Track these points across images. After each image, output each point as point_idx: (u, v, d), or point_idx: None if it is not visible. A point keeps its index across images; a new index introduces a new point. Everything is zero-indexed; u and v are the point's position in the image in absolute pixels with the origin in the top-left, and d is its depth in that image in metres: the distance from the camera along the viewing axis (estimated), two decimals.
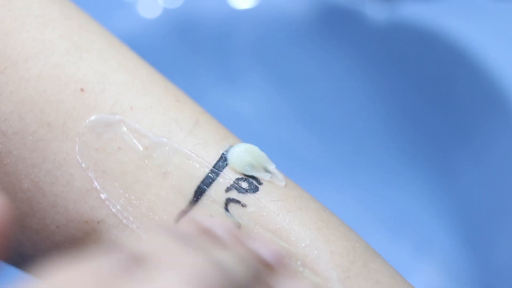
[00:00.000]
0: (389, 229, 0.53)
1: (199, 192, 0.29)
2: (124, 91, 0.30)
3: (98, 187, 0.28)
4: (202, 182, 0.29)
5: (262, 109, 0.56)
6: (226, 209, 0.29)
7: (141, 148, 0.29)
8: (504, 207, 0.47)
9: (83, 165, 0.28)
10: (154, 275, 0.19)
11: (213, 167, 0.29)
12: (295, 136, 0.56)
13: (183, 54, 0.55)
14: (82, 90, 0.29)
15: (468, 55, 0.49)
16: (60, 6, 0.31)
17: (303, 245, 0.28)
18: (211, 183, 0.29)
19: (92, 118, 0.29)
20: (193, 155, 0.29)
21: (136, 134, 0.29)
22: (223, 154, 0.29)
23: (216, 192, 0.29)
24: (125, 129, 0.29)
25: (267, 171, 0.30)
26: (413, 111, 0.53)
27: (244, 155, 0.29)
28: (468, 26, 0.50)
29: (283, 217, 0.28)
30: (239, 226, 0.28)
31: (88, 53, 0.30)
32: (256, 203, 0.28)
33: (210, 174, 0.29)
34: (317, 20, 0.54)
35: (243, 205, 0.28)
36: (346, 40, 0.54)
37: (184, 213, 0.28)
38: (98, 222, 0.28)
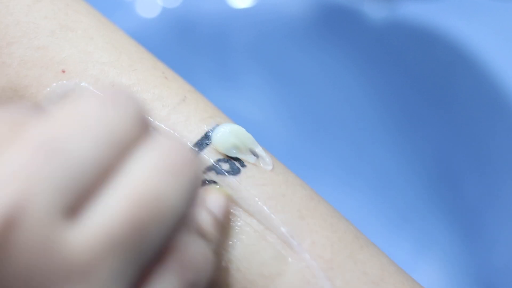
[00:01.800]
0: (389, 229, 0.52)
1: None
2: (108, 69, 0.29)
3: None
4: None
5: (261, 108, 0.56)
6: None
7: None
8: (504, 206, 0.47)
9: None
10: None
11: (194, 145, 0.28)
12: (294, 136, 0.55)
13: (182, 53, 0.54)
14: (63, 71, 0.29)
15: (468, 54, 0.49)
16: None
17: (282, 232, 0.27)
18: None
19: (51, 87, 0.29)
20: (172, 132, 0.28)
21: None
22: (207, 133, 0.28)
23: None
24: None
25: (254, 154, 0.29)
26: (412, 110, 0.53)
27: (228, 135, 0.28)
28: (468, 25, 0.50)
29: (264, 202, 0.27)
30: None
31: (73, 32, 0.30)
32: (235, 186, 0.27)
33: None
34: (315, 19, 0.54)
35: (221, 187, 0.27)
36: (344, 39, 0.54)
37: None
38: None
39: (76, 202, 0.18)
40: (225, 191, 0.27)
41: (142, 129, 0.21)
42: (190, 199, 0.21)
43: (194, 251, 0.22)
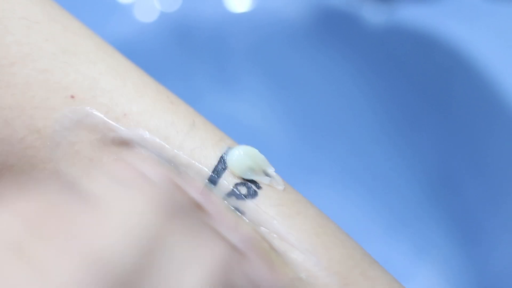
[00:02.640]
0: (388, 232, 0.52)
1: None
2: (116, 96, 0.28)
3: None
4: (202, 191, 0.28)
5: (260, 112, 0.56)
6: None
7: (138, 159, 0.28)
8: (504, 210, 0.47)
9: (77, 175, 0.27)
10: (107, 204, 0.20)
11: (212, 172, 0.28)
12: (293, 140, 0.55)
13: (180, 58, 0.54)
14: (72, 97, 0.28)
15: (467, 58, 0.49)
16: (42, 7, 0.30)
17: (302, 250, 0.27)
18: (211, 189, 0.28)
19: (87, 122, 0.28)
20: (192, 161, 0.28)
21: (132, 142, 0.28)
22: (221, 157, 0.28)
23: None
24: (119, 137, 0.28)
25: (266, 174, 0.29)
26: (411, 114, 0.53)
27: (244, 158, 0.28)
28: (467, 29, 0.50)
29: (282, 222, 0.27)
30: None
31: (75, 57, 0.29)
32: (254, 210, 0.28)
33: (210, 181, 0.28)
34: (314, 23, 0.54)
35: (242, 212, 0.28)
36: (343, 43, 0.54)
37: None
38: None
39: None
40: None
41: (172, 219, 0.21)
42: None
43: None
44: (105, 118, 0.28)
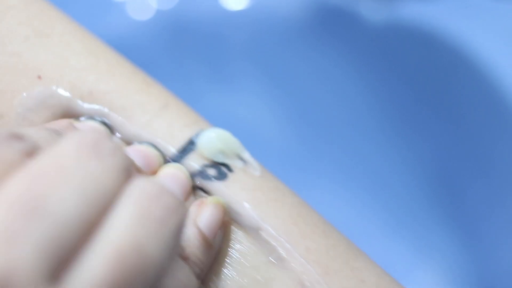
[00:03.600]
0: (387, 234, 0.52)
1: None
2: (85, 75, 0.28)
3: None
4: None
5: (257, 111, 0.55)
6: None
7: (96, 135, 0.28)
8: (505, 211, 0.47)
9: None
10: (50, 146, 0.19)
11: (178, 151, 0.27)
12: (290, 139, 0.55)
13: (176, 56, 0.54)
14: (39, 77, 0.28)
15: (468, 57, 0.48)
16: None
17: (275, 236, 0.26)
18: None
19: (49, 101, 0.28)
20: (156, 138, 0.27)
21: (90, 119, 0.28)
22: (191, 138, 0.28)
23: None
24: (81, 115, 0.28)
25: (241, 159, 0.28)
26: (410, 113, 0.52)
27: (215, 140, 0.28)
28: (468, 27, 0.49)
29: (254, 207, 0.26)
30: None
31: (48, 38, 0.29)
32: (222, 191, 0.27)
33: (174, 159, 0.27)
34: (312, 21, 0.53)
35: (207, 192, 0.27)
36: (342, 42, 0.53)
37: None
38: None
39: (59, 266, 0.17)
40: (222, 203, 0.26)
41: (125, 178, 0.20)
42: (174, 247, 0.20)
43: (177, 279, 0.22)
44: (69, 95, 0.28)
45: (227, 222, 0.26)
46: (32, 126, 0.27)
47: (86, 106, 0.28)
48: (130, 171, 0.20)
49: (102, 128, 0.27)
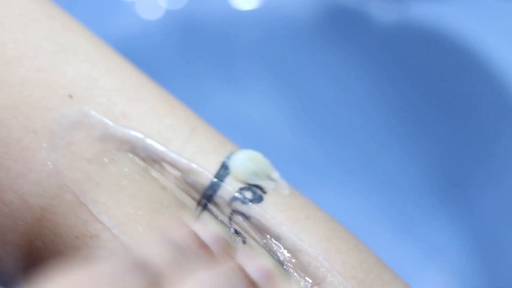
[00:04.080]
0: (394, 235, 0.52)
1: (202, 206, 0.27)
2: (115, 97, 0.28)
3: (91, 201, 0.26)
4: (204, 194, 0.27)
5: (266, 111, 0.55)
6: (231, 221, 0.27)
7: (137, 160, 0.27)
8: None
9: (76, 176, 0.26)
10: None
11: (215, 177, 0.27)
12: (300, 140, 0.55)
13: (186, 56, 0.54)
14: (70, 96, 0.27)
15: (479, 57, 0.48)
16: (40, 5, 0.29)
17: (314, 256, 0.26)
18: (213, 195, 0.27)
19: (84, 122, 0.27)
20: (194, 165, 0.27)
21: (131, 144, 0.27)
22: (223, 162, 0.27)
23: (220, 204, 0.27)
24: (120, 138, 0.27)
25: (271, 179, 0.28)
26: (420, 114, 0.52)
27: (248, 162, 0.28)
28: (479, 27, 0.49)
29: (291, 227, 0.26)
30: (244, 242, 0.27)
31: (74, 56, 0.28)
32: (261, 214, 0.27)
33: (212, 186, 0.27)
34: (322, 21, 0.53)
35: (248, 217, 0.27)
36: (352, 42, 0.53)
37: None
38: (91, 237, 0.26)
39: None
40: (271, 260, 0.26)
41: None
42: None
43: None
44: (104, 119, 0.27)
45: None
46: (69, 146, 0.27)
47: (122, 130, 0.27)
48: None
49: (228, 236, 0.27)
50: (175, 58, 0.54)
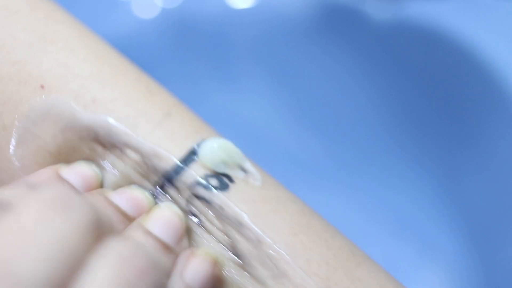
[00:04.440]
0: (392, 234, 0.51)
1: (159, 187, 0.27)
2: (89, 82, 0.27)
3: None
4: (165, 175, 0.27)
5: (262, 110, 0.55)
6: (188, 204, 0.27)
7: (100, 148, 0.27)
8: (509, 210, 0.46)
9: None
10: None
11: (180, 161, 0.27)
12: (297, 139, 0.55)
13: (182, 55, 0.54)
14: (42, 86, 0.27)
15: (475, 57, 0.48)
16: None
17: (275, 249, 0.25)
18: (173, 178, 0.27)
19: (52, 112, 0.27)
20: (157, 148, 0.27)
21: (94, 130, 0.27)
22: (193, 148, 0.27)
23: (179, 188, 0.27)
24: (83, 125, 0.27)
25: (242, 169, 0.28)
26: (417, 114, 0.52)
27: (217, 151, 0.27)
28: (474, 25, 0.49)
29: (255, 219, 0.26)
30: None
31: (52, 44, 0.28)
32: (224, 202, 0.26)
33: (175, 170, 0.27)
34: (318, 20, 0.53)
35: (209, 202, 0.26)
36: (348, 41, 0.53)
37: None
38: None
39: None
40: (212, 255, 0.26)
41: (94, 237, 0.20)
42: None
43: None
44: (72, 104, 0.27)
45: (218, 276, 0.26)
46: (35, 140, 0.27)
47: (88, 116, 0.27)
48: (101, 227, 0.20)
49: (93, 173, 0.27)
50: (171, 57, 0.54)
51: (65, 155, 0.27)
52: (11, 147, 0.27)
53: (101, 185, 0.27)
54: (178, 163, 0.27)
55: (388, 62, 0.52)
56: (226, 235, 0.26)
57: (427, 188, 0.51)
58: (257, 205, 0.26)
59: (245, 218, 0.26)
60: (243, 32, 0.53)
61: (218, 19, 0.53)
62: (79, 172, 0.26)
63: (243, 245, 0.26)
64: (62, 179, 0.25)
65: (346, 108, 0.54)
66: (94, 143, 0.27)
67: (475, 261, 0.48)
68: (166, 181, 0.27)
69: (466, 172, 0.50)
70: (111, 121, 0.27)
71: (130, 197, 0.26)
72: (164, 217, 0.25)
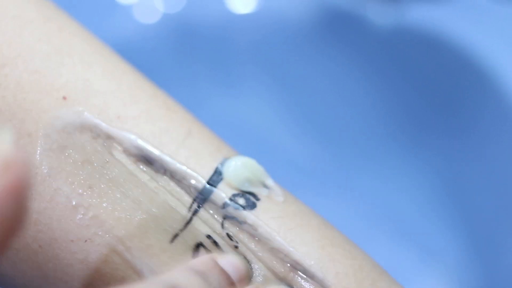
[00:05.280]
0: (392, 238, 0.52)
1: (194, 209, 0.27)
2: (110, 99, 0.28)
3: (84, 204, 0.26)
4: (197, 198, 0.27)
5: (263, 114, 0.55)
6: (223, 227, 0.27)
7: (129, 162, 0.27)
8: (511, 213, 0.46)
9: (69, 180, 0.26)
10: None
11: (207, 182, 0.27)
12: (298, 144, 0.55)
13: (183, 60, 0.54)
14: (64, 98, 0.27)
15: (476, 61, 0.48)
16: (37, 6, 0.29)
17: (307, 266, 0.26)
18: (205, 200, 0.27)
19: (78, 123, 0.27)
20: (187, 169, 0.27)
21: (124, 146, 0.27)
22: (217, 167, 0.27)
23: (212, 209, 0.27)
24: (113, 140, 0.27)
25: (264, 186, 0.28)
26: (418, 118, 0.52)
27: (241, 169, 0.28)
28: (476, 31, 0.49)
29: (284, 235, 0.26)
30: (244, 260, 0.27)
31: (70, 58, 0.28)
32: (254, 221, 0.27)
33: (204, 191, 0.27)
34: (319, 25, 0.53)
35: (241, 222, 0.27)
36: (349, 46, 0.53)
37: (180, 231, 0.27)
38: (85, 241, 0.26)
39: None
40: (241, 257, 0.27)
41: None
42: None
43: None
44: (98, 120, 0.27)
45: None
46: (61, 149, 0.27)
47: (117, 132, 0.27)
48: None
49: (244, 266, 0.27)
50: (172, 62, 0.54)
51: (91, 164, 0.27)
52: (37, 155, 0.27)
53: (250, 278, 0.27)
54: (207, 185, 0.27)
55: (389, 66, 0.52)
56: (262, 257, 0.27)
57: (428, 192, 0.52)
58: (284, 221, 0.27)
59: (277, 238, 0.26)
60: (244, 37, 0.53)
61: (219, 24, 0.53)
62: (233, 263, 0.26)
63: (277, 266, 0.26)
64: (222, 270, 0.25)
65: (348, 112, 0.54)
66: (127, 156, 0.27)
67: (475, 265, 0.48)
68: (199, 202, 0.27)
69: (468, 177, 0.50)
70: (140, 139, 0.27)
71: (237, 269, 0.26)
72: None
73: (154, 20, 0.52)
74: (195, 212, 0.27)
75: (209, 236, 0.27)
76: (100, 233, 0.26)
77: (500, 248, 0.47)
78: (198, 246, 0.26)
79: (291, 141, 0.55)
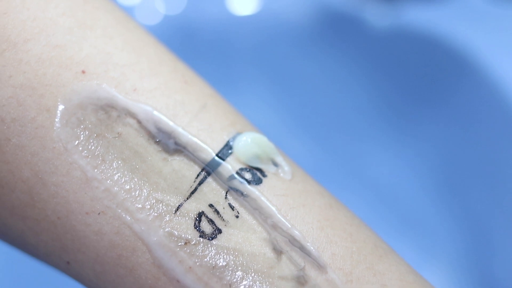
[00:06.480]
0: (392, 233, 0.52)
1: (200, 180, 0.27)
2: (128, 71, 0.28)
3: (97, 177, 0.26)
4: (204, 169, 0.27)
5: (264, 115, 0.56)
6: (226, 197, 0.27)
7: (142, 134, 0.27)
8: (509, 212, 0.47)
9: (83, 153, 0.27)
10: None
11: (217, 154, 0.27)
12: (298, 143, 0.55)
13: (184, 61, 0.54)
14: (83, 72, 0.27)
15: (473, 62, 0.49)
16: None
17: (304, 244, 0.26)
18: (212, 171, 0.27)
19: (95, 97, 0.27)
20: (197, 141, 0.27)
21: (138, 118, 0.27)
22: (228, 141, 0.28)
23: (217, 180, 0.27)
24: (128, 112, 0.27)
25: (274, 163, 0.28)
26: (417, 116, 0.53)
27: (250, 145, 0.28)
28: (472, 32, 0.50)
29: (285, 213, 0.27)
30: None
31: (92, 31, 0.28)
32: (257, 196, 0.27)
33: (212, 163, 0.27)
34: (318, 27, 0.54)
35: (244, 196, 0.27)
36: (349, 47, 0.54)
37: (184, 201, 0.27)
38: (99, 213, 0.26)
39: None
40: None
41: None
42: None
43: None
44: (114, 92, 0.27)
45: None
46: (78, 123, 0.27)
47: (132, 104, 0.27)
48: None
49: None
50: None
51: (105, 137, 0.27)
52: (55, 129, 0.27)
53: None
54: (216, 157, 0.27)
55: (390, 67, 0.53)
56: (263, 228, 0.27)
57: (429, 190, 0.52)
58: (288, 200, 0.27)
59: (277, 215, 0.27)
60: (245, 38, 0.54)
61: (220, 26, 0.53)
62: None
63: (277, 240, 0.27)
64: None
65: (348, 112, 0.54)
66: (140, 127, 0.28)
67: (475, 261, 0.48)
68: (207, 173, 0.27)
69: (467, 174, 0.50)
70: (153, 110, 0.27)
71: None
72: None
73: (155, 22, 0.53)
74: (200, 183, 0.27)
75: (211, 205, 0.27)
76: (112, 205, 0.26)
77: (499, 242, 0.47)
78: (200, 215, 0.26)
79: (291, 140, 0.55)
